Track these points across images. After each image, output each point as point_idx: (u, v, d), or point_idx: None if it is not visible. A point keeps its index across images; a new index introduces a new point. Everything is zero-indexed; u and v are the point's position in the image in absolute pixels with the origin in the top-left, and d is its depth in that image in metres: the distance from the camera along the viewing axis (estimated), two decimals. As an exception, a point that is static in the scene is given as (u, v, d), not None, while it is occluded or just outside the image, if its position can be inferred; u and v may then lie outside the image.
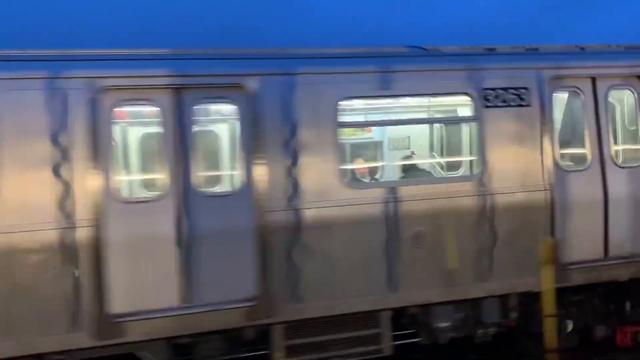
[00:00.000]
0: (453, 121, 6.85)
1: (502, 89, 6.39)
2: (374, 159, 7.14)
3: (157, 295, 5.34)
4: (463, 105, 6.51)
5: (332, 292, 5.86)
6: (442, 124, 6.91)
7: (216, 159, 6.73)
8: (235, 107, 5.75)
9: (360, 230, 5.89)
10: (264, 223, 5.64)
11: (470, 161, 6.47)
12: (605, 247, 6.67)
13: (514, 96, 6.42)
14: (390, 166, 6.96)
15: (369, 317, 6.06)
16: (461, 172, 6.68)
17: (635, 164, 6.87)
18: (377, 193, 5.98)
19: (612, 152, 6.72)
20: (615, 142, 6.90)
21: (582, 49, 7.10)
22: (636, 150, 7.03)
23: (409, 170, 6.77)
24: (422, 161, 6.95)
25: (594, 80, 6.74)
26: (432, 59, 6.39)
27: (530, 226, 6.35)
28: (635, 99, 6.84)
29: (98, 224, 5.13)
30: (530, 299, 6.45)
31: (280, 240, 5.68)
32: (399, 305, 6.10)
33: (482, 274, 6.26)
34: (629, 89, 6.89)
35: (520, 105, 6.43)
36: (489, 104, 6.33)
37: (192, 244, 5.50)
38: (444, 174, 6.96)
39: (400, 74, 6.09)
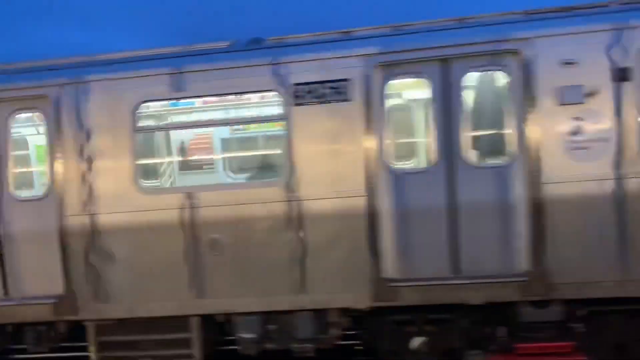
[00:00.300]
0: (256, 121, 6.26)
1: (316, 82, 5.65)
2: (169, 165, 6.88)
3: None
4: (271, 104, 5.91)
5: (134, 296, 5.98)
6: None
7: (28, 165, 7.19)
8: (42, 114, 6.09)
9: (157, 236, 5.86)
10: (64, 227, 5.97)
11: (279, 165, 5.89)
12: (453, 265, 5.58)
13: (330, 90, 5.63)
14: (185, 171, 6.66)
15: (179, 322, 6.05)
16: (269, 176, 6.12)
17: (499, 163, 5.56)
18: (172, 199, 5.85)
19: (463, 148, 5.52)
20: (472, 137, 5.65)
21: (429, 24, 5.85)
22: (499, 144, 5.67)
23: (210, 175, 6.41)
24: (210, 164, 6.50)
25: (445, 62, 5.55)
26: (232, 55, 5.87)
27: (346, 237, 5.61)
28: (509, 81, 5.48)
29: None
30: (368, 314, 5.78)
31: (78, 244, 5.96)
32: (203, 312, 5.97)
33: (293, 286, 5.76)
34: (498, 69, 5.54)
35: (339, 100, 5.62)
36: (299, 101, 5.66)
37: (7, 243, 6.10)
38: (245, 178, 6.43)
39: (193, 74, 5.77)
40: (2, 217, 6.08)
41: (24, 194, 6.57)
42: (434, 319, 5.84)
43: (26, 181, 7.21)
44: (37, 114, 6.35)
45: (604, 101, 5.27)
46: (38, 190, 7.02)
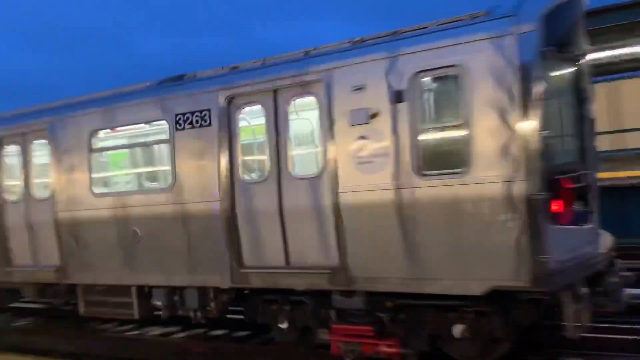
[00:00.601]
0: (154, 143, 8.02)
1: (189, 112, 7.34)
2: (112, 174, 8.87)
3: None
4: (163, 131, 7.70)
5: (94, 269, 8.42)
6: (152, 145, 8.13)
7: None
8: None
9: (102, 227, 8.20)
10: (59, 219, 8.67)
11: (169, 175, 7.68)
12: (286, 257, 6.84)
13: (197, 118, 7.27)
14: (118, 179, 8.65)
15: (124, 289, 8.34)
16: (161, 185, 7.90)
17: (311, 175, 6.60)
18: (109, 201, 8.11)
19: (290, 163, 6.70)
20: (293, 154, 6.74)
21: (263, 61, 6.99)
22: (314, 160, 6.64)
23: (136, 183, 8.39)
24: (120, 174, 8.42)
25: (275, 92, 6.79)
26: (138, 94, 7.82)
27: (211, 233, 7.24)
28: (317, 105, 6.50)
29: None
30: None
31: (65, 231, 8.60)
32: (133, 283, 8.15)
33: (185, 268, 7.60)
34: (313, 97, 6.56)
35: (203, 126, 7.23)
36: (179, 127, 7.43)
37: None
38: (150, 186, 8.22)
39: (117, 110, 7.91)
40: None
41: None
42: (294, 300, 7.15)
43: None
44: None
45: (384, 121, 6.02)
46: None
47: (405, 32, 6.19)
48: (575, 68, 6.22)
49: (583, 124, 6.27)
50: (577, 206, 5.93)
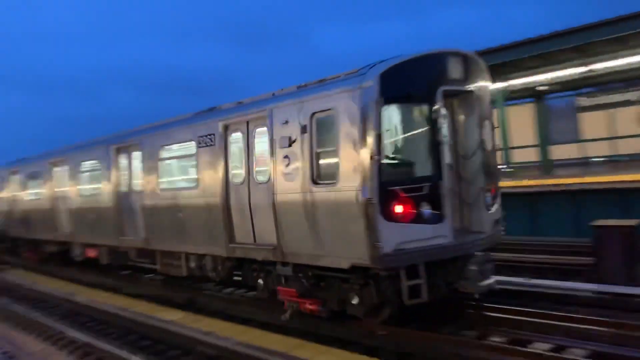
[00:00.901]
0: (188, 155, 11.39)
1: (205, 135, 10.74)
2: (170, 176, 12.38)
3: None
4: (193, 147, 11.15)
5: (178, 240, 12.25)
6: (190, 157, 11.47)
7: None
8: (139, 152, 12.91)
9: (166, 212, 12.04)
10: (144, 205, 12.82)
11: (201, 177, 11.05)
12: (253, 236, 9.86)
13: (209, 139, 10.63)
14: (172, 180, 12.19)
15: (178, 255, 12.13)
16: (193, 185, 11.29)
17: (266, 181, 9.45)
18: (169, 194, 11.93)
19: (254, 173, 9.69)
20: (259, 166, 9.66)
21: (239, 103, 10.02)
22: (266, 170, 9.42)
23: (182, 182, 11.94)
24: (172, 178, 11.87)
25: (247, 123, 9.84)
26: (180, 122, 11.44)
27: (217, 218, 10.53)
28: (267, 133, 9.38)
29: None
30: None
31: (146, 212, 12.71)
32: (182, 251, 11.85)
33: (205, 242, 11.04)
34: (265, 127, 9.45)
35: (210, 145, 10.57)
36: (200, 145, 10.88)
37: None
38: (187, 184, 11.61)
39: (171, 132, 11.69)
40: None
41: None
42: (269, 269, 10.14)
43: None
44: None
45: (297, 146, 8.70)
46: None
47: (309, 85, 8.80)
48: (431, 106, 8.14)
49: (439, 148, 8.17)
50: (425, 209, 7.94)
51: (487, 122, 9.01)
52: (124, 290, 14.43)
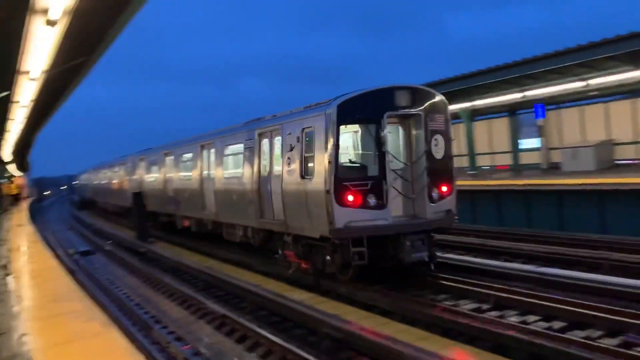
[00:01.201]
0: (239, 153, 15.40)
1: (247, 139, 14.83)
2: (229, 167, 16.48)
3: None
4: (241, 148, 15.26)
5: (234, 215, 16.74)
6: (240, 155, 15.49)
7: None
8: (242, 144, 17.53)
9: (227, 194, 16.37)
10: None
11: (243, 170, 15.14)
12: (272, 214, 13.73)
13: (249, 143, 14.70)
14: (230, 171, 16.29)
15: (235, 226, 16.44)
16: (240, 175, 15.34)
17: (279, 174, 13.24)
18: (228, 181, 16.25)
19: (273, 168, 13.55)
20: (276, 163, 13.47)
21: (282, 114, 13.83)
22: (280, 167, 13.18)
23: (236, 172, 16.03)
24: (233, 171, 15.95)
25: (271, 132, 13.73)
26: (244, 127, 15.69)
27: (253, 200, 14.58)
28: (280, 140, 13.19)
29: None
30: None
31: (218, 193, 17.24)
32: (236, 223, 16.12)
33: (247, 217, 15.15)
34: (280, 136, 13.25)
35: (251, 147, 14.63)
36: (245, 147, 15.00)
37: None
38: (238, 174, 15.62)
39: (230, 135, 16.00)
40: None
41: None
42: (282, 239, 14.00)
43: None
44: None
45: (296, 151, 12.41)
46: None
47: (306, 108, 12.56)
48: (378, 126, 11.37)
49: (384, 156, 11.38)
50: (370, 199, 11.24)
51: (438, 136, 12.04)
52: (256, 268, 15.10)
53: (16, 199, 42.89)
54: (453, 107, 25.79)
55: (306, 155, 12.08)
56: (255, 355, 9.54)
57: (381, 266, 11.84)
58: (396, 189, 11.62)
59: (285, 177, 12.80)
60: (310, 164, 11.92)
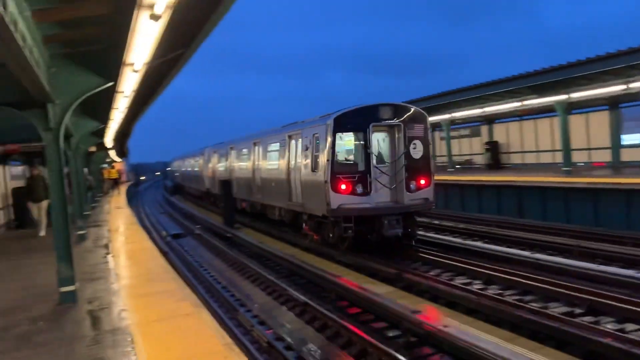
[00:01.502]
0: (277, 150, 19.34)
1: (281, 140, 18.93)
2: (270, 161, 19.92)
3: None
4: (278, 147, 18.82)
5: (273, 198, 20.38)
6: (277, 151, 19.12)
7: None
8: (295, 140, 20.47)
9: (268, 182, 18.88)
10: (261, 177, 20.29)
11: (279, 163, 18.49)
12: (296, 199, 17.38)
13: (283, 142, 18.75)
14: (270, 163, 19.80)
15: (274, 207, 19.49)
16: (277, 167, 18.09)
17: (301, 168, 16.76)
18: (269, 171, 19.98)
19: (297, 163, 17.23)
20: (299, 159, 17.22)
21: (302, 122, 17.55)
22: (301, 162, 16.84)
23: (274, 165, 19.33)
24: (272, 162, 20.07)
25: (295, 135, 17.55)
26: (279, 130, 19.89)
27: (285, 187, 18.37)
28: (301, 142, 16.83)
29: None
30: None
31: (261, 182, 20.51)
32: (274, 205, 19.88)
33: (281, 200, 18.97)
34: (300, 138, 16.91)
35: (284, 146, 18.63)
36: (281, 145, 19.15)
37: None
38: (275, 167, 18.88)
39: (271, 136, 20.64)
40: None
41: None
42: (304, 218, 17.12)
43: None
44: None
45: (309, 150, 16.32)
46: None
47: (316, 118, 16.34)
48: (365, 134, 14.85)
49: (369, 155, 14.80)
50: (358, 188, 14.55)
51: (417, 141, 15.35)
52: (336, 258, 15.16)
53: (116, 183, 45.38)
54: (547, 100, 24.93)
55: (315, 154, 15.80)
56: (335, 344, 9.60)
57: (367, 239, 15.24)
58: (379, 181, 14.98)
59: (303, 170, 16.59)
60: (317, 161, 15.65)
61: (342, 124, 14.91)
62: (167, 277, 9.91)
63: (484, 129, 40.92)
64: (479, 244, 16.69)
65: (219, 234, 23.10)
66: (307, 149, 16.18)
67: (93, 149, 26.48)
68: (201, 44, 8.61)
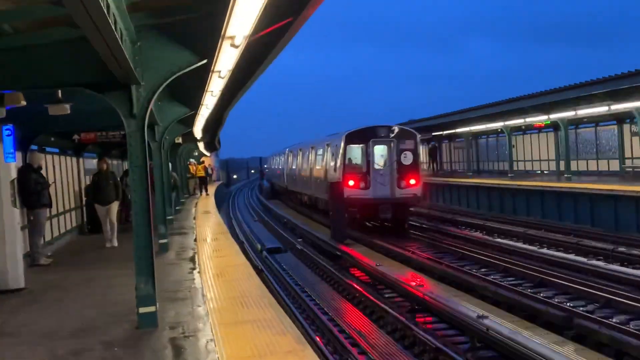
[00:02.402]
0: (321, 155, 27.04)
1: (321, 148, 26.47)
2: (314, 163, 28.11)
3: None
4: (322, 152, 26.86)
5: (305, 189, 28.69)
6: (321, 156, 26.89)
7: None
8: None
9: (303, 178, 28.25)
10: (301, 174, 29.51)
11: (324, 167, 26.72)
12: (320, 191, 25.12)
13: (322, 150, 26.22)
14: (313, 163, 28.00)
15: (306, 196, 28.21)
16: (320, 167, 27.09)
17: (331, 170, 24.58)
18: (312, 170, 28.20)
19: (329, 166, 24.81)
20: (330, 163, 24.74)
21: (336, 133, 25.36)
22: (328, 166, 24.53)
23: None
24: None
25: (328, 145, 25.13)
26: (320, 140, 27.73)
27: (322, 182, 25.99)
28: (330, 151, 24.50)
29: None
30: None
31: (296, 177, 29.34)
32: (308, 194, 27.82)
33: (319, 191, 26.57)
34: (330, 148, 24.61)
35: (323, 152, 26.05)
36: (324, 151, 26.52)
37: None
38: (318, 168, 27.20)
39: (313, 145, 28.29)
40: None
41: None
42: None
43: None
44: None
45: (334, 157, 23.63)
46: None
47: (332, 134, 24.58)
48: (367, 146, 22.09)
49: (370, 161, 22.10)
50: (361, 184, 21.99)
51: (407, 152, 22.14)
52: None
53: (203, 182, 36.20)
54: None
55: (336, 159, 23.20)
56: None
57: (368, 220, 22.89)
58: (376, 180, 22.17)
59: (330, 172, 24.06)
60: (337, 165, 23.05)
61: (351, 139, 22.04)
62: (264, 302, 8.39)
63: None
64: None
65: (326, 251, 19.74)
66: (333, 155, 23.42)
67: (179, 140, 22.50)
68: (314, 10, 6.94)
